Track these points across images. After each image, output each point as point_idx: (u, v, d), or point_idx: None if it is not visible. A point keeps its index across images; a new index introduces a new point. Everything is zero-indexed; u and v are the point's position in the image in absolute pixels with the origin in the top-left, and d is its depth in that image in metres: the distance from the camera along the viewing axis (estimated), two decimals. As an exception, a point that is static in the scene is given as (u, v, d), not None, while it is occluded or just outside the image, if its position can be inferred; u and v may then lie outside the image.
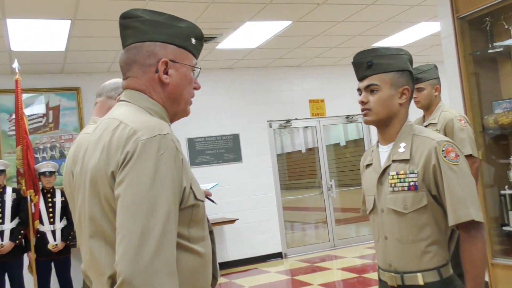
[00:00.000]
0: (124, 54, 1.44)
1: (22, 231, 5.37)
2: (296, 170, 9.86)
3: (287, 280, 6.61)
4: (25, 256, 5.51)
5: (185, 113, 1.48)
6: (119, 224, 1.20)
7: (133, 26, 1.41)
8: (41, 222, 5.45)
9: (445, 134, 3.33)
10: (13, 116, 5.95)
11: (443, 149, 1.80)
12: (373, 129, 7.88)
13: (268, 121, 8.07)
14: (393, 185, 1.87)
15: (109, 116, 1.39)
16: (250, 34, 6.11)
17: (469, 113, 4.20)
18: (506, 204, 4.14)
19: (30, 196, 5.21)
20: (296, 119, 8.19)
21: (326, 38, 6.66)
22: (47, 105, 6.86)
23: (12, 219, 5.37)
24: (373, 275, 5.95)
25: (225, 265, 7.28)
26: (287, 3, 5.12)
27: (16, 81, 5.20)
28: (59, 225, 5.54)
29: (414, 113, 3.49)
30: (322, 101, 8.38)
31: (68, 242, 5.52)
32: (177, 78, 1.41)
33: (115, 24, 5.23)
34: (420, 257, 1.81)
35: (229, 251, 7.50)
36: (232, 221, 7.22)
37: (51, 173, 5.61)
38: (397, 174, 1.86)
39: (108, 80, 2.41)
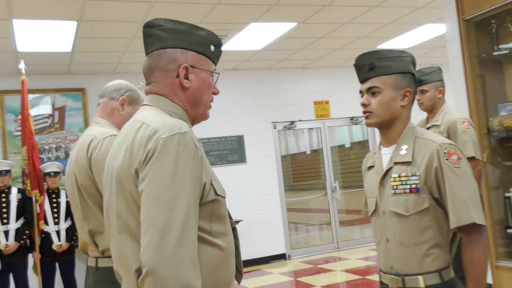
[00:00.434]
0: (147, 61, 1.53)
1: (27, 231, 5.39)
2: (300, 172, 9.86)
3: (291, 281, 6.61)
4: (30, 256, 5.54)
5: (205, 116, 1.55)
6: (143, 217, 1.27)
7: (155, 34, 1.49)
8: (46, 223, 5.48)
9: (448, 136, 3.32)
10: (19, 117, 5.99)
11: (445, 151, 1.79)
12: (378, 131, 7.87)
13: (272, 122, 8.07)
14: (395, 187, 1.86)
15: (133, 119, 1.48)
16: (255, 36, 6.12)
17: (474, 115, 4.19)
18: (510, 206, 4.12)
19: (35, 196, 5.23)
20: (300, 120, 8.19)
21: (331, 40, 6.66)
22: (53, 105, 6.90)
23: (17, 219, 5.40)
24: (377, 277, 5.91)
25: (229, 266, 7.26)
26: (292, 4, 5.13)
27: (22, 81, 5.23)
28: (64, 225, 5.56)
29: (418, 115, 3.50)
30: (327, 102, 8.38)
31: (72, 242, 5.54)
32: (197, 83, 1.48)
33: (121, 25, 5.27)
34: (422, 259, 1.80)
35: (233, 252, 7.48)
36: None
37: (56, 173, 5.64)
38: (399, 176, 1.86)
39: (114, 81, 2.42)
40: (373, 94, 1.89)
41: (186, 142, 1.32)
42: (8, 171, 5.48)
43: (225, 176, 7.38)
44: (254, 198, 7.69)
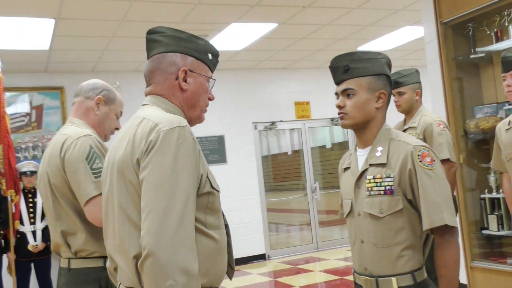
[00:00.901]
0: (148, 64, 1.62)
1: (1, 232, 5.29)
2: (281, 172, 9.88)
3: (270, 282, 6.61)
4: (5, 257, 5.44)
5: (200, 119, 1.65)
6: (144, 203, 1.35)
7: (158, 40, 1.60)
8: (22, 223, 5.39)
9: (424, 138, 3.35)
10: (-5, 115, 5.88)
11: (419, 153, 1.80)
12: (358, 132, 7.93)
13: (253, 123, 8.07)
14: (369, 189, 1.87)
15: (134, 116, 1.55)
16: (236, 36, 6.11)
17: (451, 117, 4.24)
18: (486, 208, 4.18)
19: (11, 196, 5.14)
20: (281, 121, 8.20)
21: (311, 41, 6.68)
22: (30, 104, 6.79)
23: (-9, 220, 5.30)
24: (356, 278, 5.96)
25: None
26: (272, 5, 5.13)
27: (-2, 79, 5.14)
28: (40, 225, 5.48)
29: (396, 116, 3.52)
30: (308, 103, 8.41)
31: (48, 243, 5.46)
32: (194, 86, 1.59)
33: (100, 23, 5.21)
34: (395, 261, 1.81)
35: (212, 253, 7.46)
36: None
37: (33, 172, 5.55)
38: (374, 178, 1.86)
39: (89, 80, 2.39)
40: (348, 96, 1.89)
41: (185, 135, 1.40)
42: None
43: (205, 176, 7.34)
44: (234, 198, 7.67)
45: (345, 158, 2.11)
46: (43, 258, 5.48)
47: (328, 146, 9.88)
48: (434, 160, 1.81)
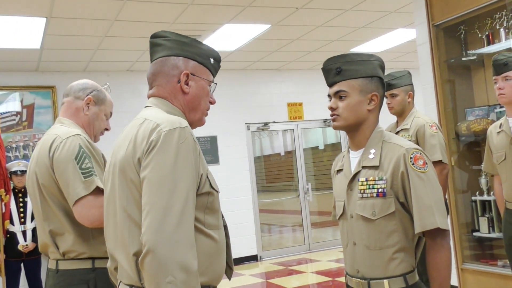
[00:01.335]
0: (151, 67, 1.65)
1: (-9, 232, 5.26)
2: (274, 173, 9.87)
3: (262, 283, 6.61)
4: (-6, 257, 5.40)
5: (201, 122, 1.68)
6: (144, 201, 1.38)
7: (161, 44, 1.63)
8: (12, 222, 5.34)
9: (417, 140, 3.36)
10: (-15, 114, 5.84)
11: (411, 156, 1.80)
12: (350, 133, 7.95)
13: (246, 123, 8.06)
14: (362, 191, 1.87)
15: (136, 117, 1.58)
16: (229, 37, 6.10)
17: (443, 119, 4.25)
18: (477, 210, 4.20)
19: (1, 195, 5.10)
20: (274, 122, 8.20)
21: (304, 42, 6.69)
22: (21, 103, 6.74)
23: (-19, 219, 5.26)
24: (347, 279, 5.96)
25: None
26: (265, 6, 5.13)
27: (-11, 78, 5.10)
28: (30, 225, 5.44)
29: (388, 118, 3.53)
30: (300, 104, 8.41)
31: (39, 243, 5.42)
32: (196, 89, 1.62)
33: (91, 23, 5.18)
34: (387, 263, 1.81)
35: (204, 254, 7.44)
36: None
37: (23, 172, 5.50)
38: (367, 180, 1.86)
39: (79, 80, 2.37)
40: (340, 98, 1.89)
41: (186, 136, 1.43)
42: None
43: (197, 177, 7.33)
44: (227, 199, 7.65)
45: (338, 160, 2.11)
46: (33, 258, 5.44)
47: (321, 147, 9.89)
48: (426, 163, 1.81)
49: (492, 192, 4.01)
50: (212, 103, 1.70)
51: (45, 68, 6.73)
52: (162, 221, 1.33)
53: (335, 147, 9.56)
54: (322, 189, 8.98)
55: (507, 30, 3.95)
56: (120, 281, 1.52)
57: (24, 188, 5.56)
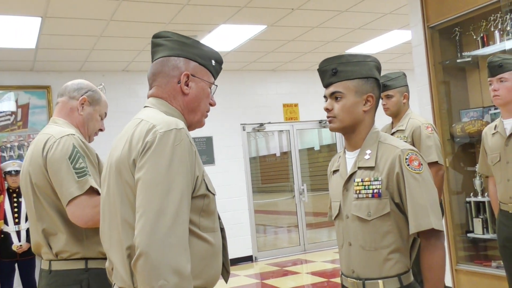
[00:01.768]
0: (152, 67, 1.63)
1: (-15, 232, 5.23)
2: (269, 174, 9.88)
3: (257, 284, 6.60)
4: (-12, 257, 5.38)
5: (200, 124, 1.68)
6: (138, 203, 1.36)
7: (162, 44, 1.62)
8: (6, 223, 5.32)
9: (412, 141, 3.37)
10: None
11: (407, 157, 1.81)
12: (346, 134, 7.98)
13: (241, 124, 8.06)
14: (358, 191, 1.87)
15: (134, 118, 1.57)
16: (225, 37, 6.09)
17: (438, 121, 4.27)
18: (471, 211, 4.22)
19: (-5, 196, 5.09)
20: (269, 123, 8.20)
21: (300, 43, 6.69)
22: (16, 102, 6.72)
23: (-25, 219, 5.24)
24: (342, 280, 5.97)
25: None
26: (261, 7, 5.13)
27: (-17, 77, 5.08)
28: (24, 225, 5.41)
29: (384, 120, 3.54)
30: (296, 105, 8.42)
31: (33, 243, 5.40)
32: (196, 91, 1.61)
33: (87, 22, 5.16)
34: (382, 264, 1.81)
35: (199, 254, 7.44)
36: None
37: (18, 172, 5.47)
38: (362, 181, 1.87)
39: (74, 80, 2.36)
40: (336, 99, 1.90)
41: (182, 137, 1.41)
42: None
43: (193, 177, 7.32)
44: (222, 200, 7.64)
45: (334, 160, 2.12)
46: (27, 259, 5.41)
47: (316, 148, 9.91)
48: (421, 164, 1.81)
49: (486, 193, 4.03)
50: (212, 105, 1.69)
51: (40, 67, 6.71)
52: (155, 224, 1.31)
53: (330, 148, 9.58)
54: (318, 190, 8.99)
55: (501, 32, 3.97)
56: (115, 283, 1.51)
57: (19, 188, 5.53)
